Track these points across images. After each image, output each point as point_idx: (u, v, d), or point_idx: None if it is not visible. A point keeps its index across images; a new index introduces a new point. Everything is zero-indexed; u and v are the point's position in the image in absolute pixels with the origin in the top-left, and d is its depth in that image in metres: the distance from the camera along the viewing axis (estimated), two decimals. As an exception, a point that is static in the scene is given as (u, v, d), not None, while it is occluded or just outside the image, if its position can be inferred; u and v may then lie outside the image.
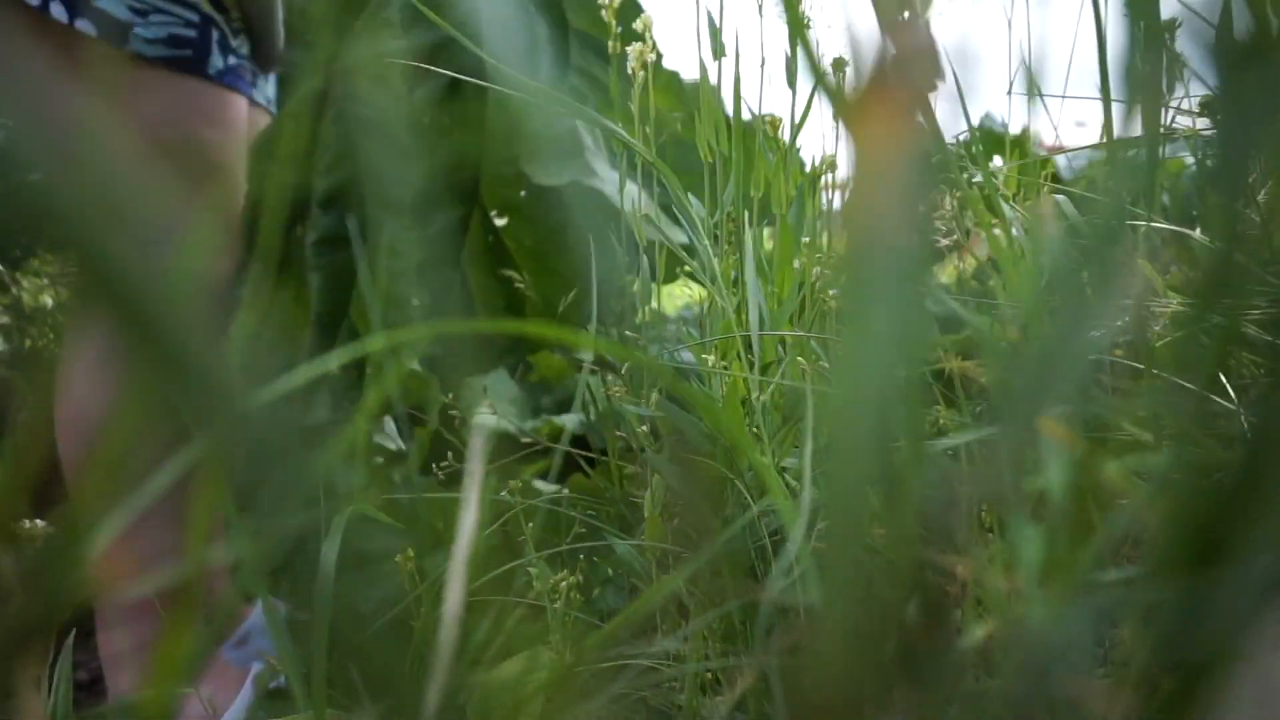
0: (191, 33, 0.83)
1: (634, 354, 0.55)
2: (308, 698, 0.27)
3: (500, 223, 1.16)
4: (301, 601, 1.09)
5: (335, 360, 1.06)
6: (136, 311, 0.18)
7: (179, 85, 0.83)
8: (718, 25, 0.66)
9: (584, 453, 0.84)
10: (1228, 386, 0.35)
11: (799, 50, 0.63)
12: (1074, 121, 0.62)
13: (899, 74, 0.16)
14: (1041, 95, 0.52)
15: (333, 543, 0.31)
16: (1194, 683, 0.21)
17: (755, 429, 0.50)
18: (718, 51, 0.65)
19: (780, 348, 0.56)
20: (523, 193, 1.12)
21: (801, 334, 0.52)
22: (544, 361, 1.37)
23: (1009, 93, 0.55)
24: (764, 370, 0.55)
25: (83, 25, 0.77)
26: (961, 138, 0.61)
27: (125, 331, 0.17)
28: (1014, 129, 0.67)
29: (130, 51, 0.79)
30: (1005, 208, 0.45)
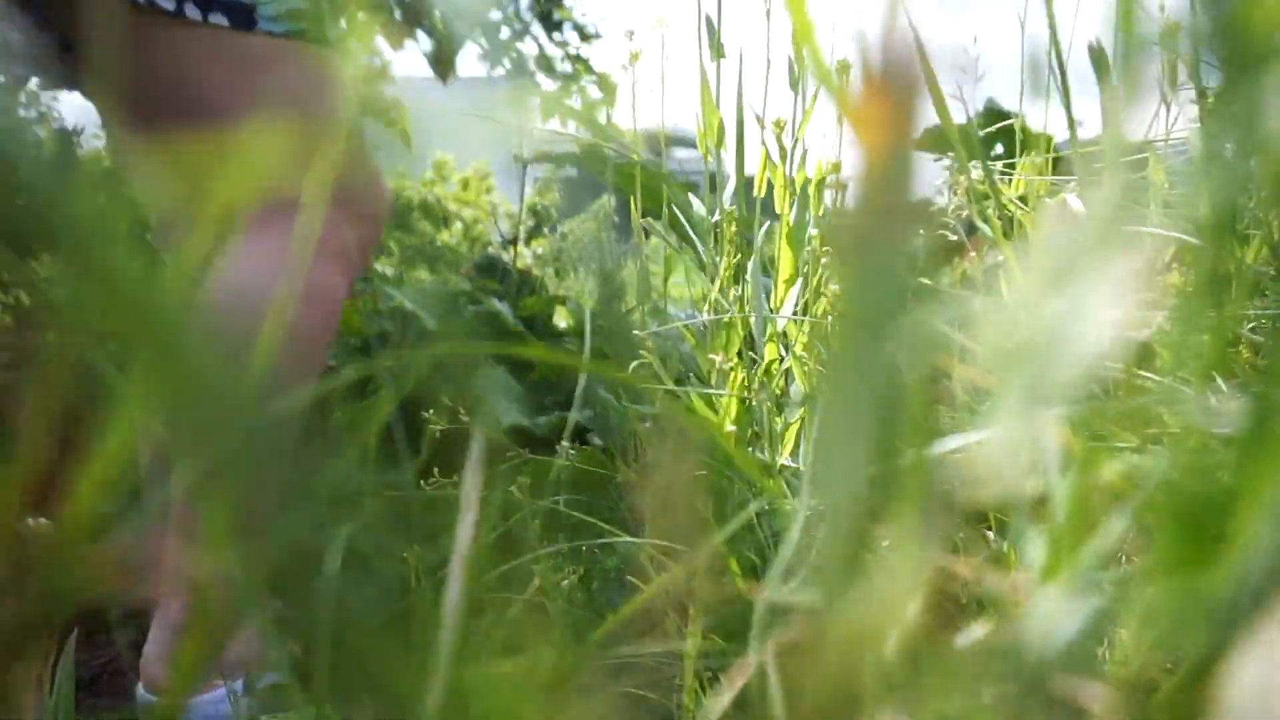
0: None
1: (632, 377, 0.55)
2: (303, 695, 0.27)
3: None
4: (299, 600, 1.09)
5: (352, 372, 1.06)
6: (139, 318, 0.18)
7: (309, 56, 0.85)
8: (717, 27, 0.66)
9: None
10: (1226, 383, 0.35)
11: (804, 53, 0.63)
12: (1071, 120, 0.62)
13: (895, 76, 0.16)
14: (1056, 92, 0.52)
15: (336, 542, 0.31)
16: (1194, 682, 0.21)
17: (756, 428, 0.50)
18: (717, 53, 0.65)
19: (781, 348, 0.56)
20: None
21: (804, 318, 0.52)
22: (542, 354, 1.38)
23: (1021, 91, 0.55)
24: (765, 370, 0.55)
25: (216, 19, 0.79)
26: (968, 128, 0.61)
27: (125, 340, 0.17)
28: (1022, 125, 0.67)
29: (261, 32, 0.81)
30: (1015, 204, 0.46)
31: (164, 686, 0.98)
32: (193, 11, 0.79)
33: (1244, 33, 0.18)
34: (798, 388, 0.51)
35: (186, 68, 0.80)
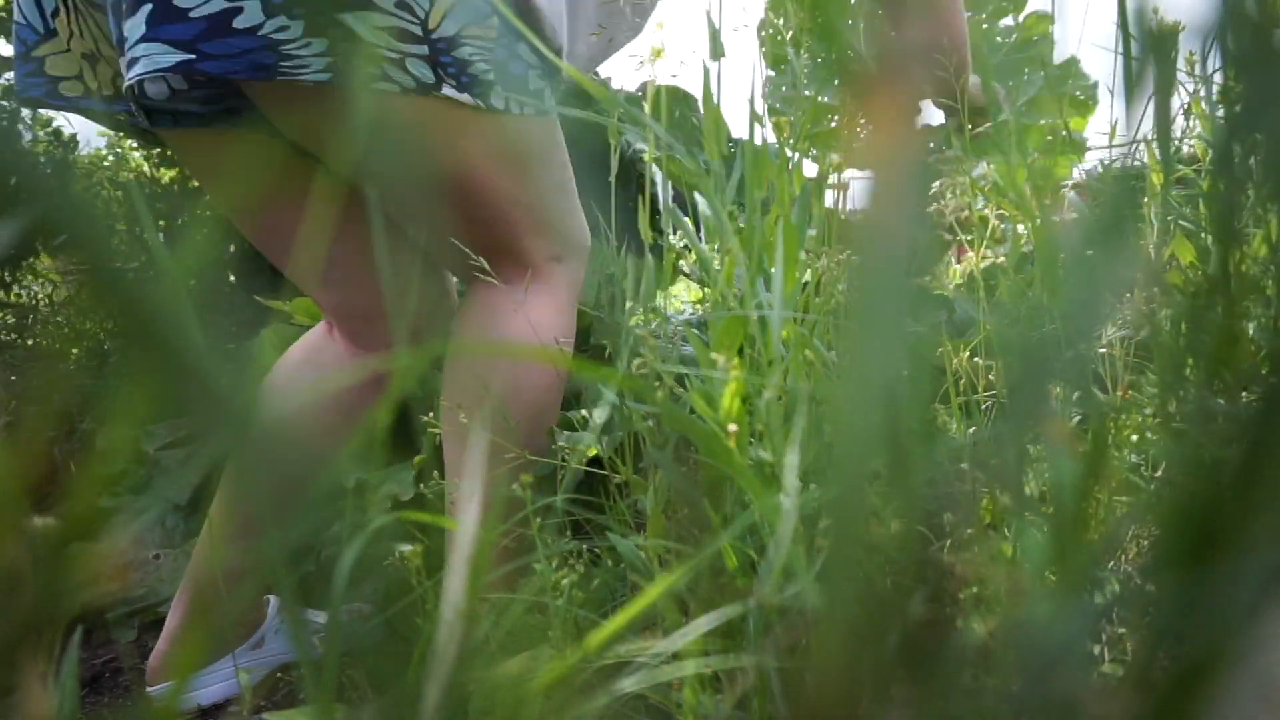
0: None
1: (630, 378, 0.55)
2: (314, 694, 0.27)
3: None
4: (311, 601, 1.09)
5: (355, 371, 1.08)
6: (143, 316, 0.18)
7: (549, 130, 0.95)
8: (717, 27, 0.65)
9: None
10: (1228, 382, 0.35)
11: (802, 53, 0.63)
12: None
13: (902, 75, 0.16)
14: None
15: (349, 545, 0.31)
16: (1194, 680, 0.21)
17: (758, 427, 0.50)
18: (717, 53, 0.65)
19: (783, 345, 0.55)
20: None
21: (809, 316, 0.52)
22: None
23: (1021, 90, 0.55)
24: (766, 369, 0.55)
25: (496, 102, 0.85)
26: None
27: (135, 337, 0.17)
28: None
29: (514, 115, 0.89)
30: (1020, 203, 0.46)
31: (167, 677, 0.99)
32: (515, 107, 0.85)
33: (1255, 30, 0.18)
34: (799, 386, 0.51)
35: (493, 151, 0.87)
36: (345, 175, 0.93)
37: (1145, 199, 0.54)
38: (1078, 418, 0.43)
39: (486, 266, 0.82)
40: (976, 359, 0.58)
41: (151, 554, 1.30)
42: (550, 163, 0.93)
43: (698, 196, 0.63)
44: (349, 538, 0.31)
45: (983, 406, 0.58)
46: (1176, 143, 0.62)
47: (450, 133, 0.83)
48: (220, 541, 0.92)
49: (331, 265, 1.03)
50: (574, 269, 0.97)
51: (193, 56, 0.73)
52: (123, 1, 0.74)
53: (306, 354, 1.12)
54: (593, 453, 0.95)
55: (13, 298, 2.10)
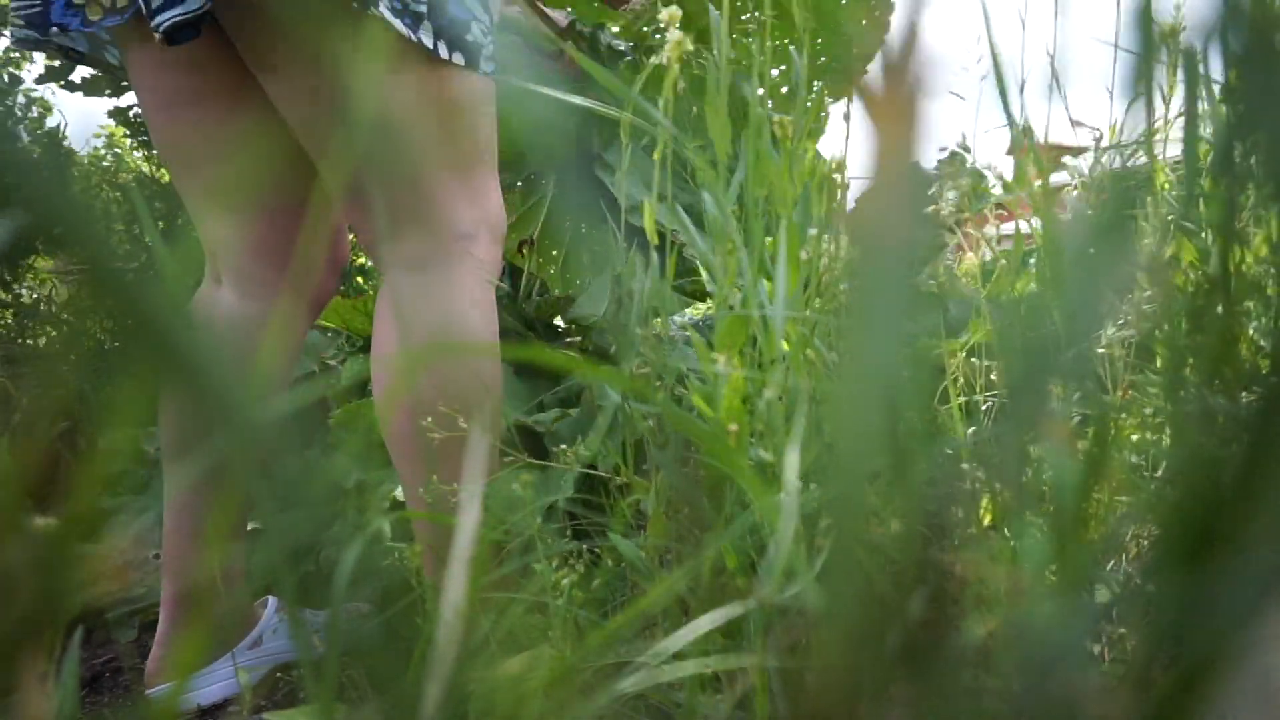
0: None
1: (636, 382, 0.55)
2: (315, 693, 0.27)
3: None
4: (311, 601, 1.09)
5: (350, 371, 1.07)
6: (143, 318, 0.18)
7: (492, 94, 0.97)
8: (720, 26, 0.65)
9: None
10: (1228, 382, 0.35)
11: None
12: (1077, 123, 0.62)
13: (904, 76, 0.16)
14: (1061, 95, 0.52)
15: (349, 544, 0.31)
16: (1194, 680, 0.21)
17: (759, 426, 0.50)
18: (723, 53, 0.65)
19: (783, 346, 0.55)
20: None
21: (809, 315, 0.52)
22: (545, 356, 1.37)
23: (1021, 92, 0.55)
24: (766, 368, 0.55)
25: (456, 58, 0.88)
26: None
27: (136, 342, 0.17)
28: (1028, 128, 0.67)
29: (482, 73, 0.91)
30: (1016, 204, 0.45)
31: (165, 679, 0.99)
32: (443, 50, 0.86)
33: (1255, 30, 0.18)
34: (800, 385, 0.51)
35: (419, 96, 0.87)
36: (279, 100, 0.91)
37: (1147, 198, 0.54)
38: (1078, 418, 0.43)
39: (393, 235, 0.81)
40: (975, 359, 0.58)
41: (151, 554, 1.30)
42: (479, 125, 0.92)
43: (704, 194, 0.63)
44: (349, 538, 0.32)
45: (983, 407, 0.58)
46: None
47: (384, 64, 0.83)
48: (207, 541, 0.91)
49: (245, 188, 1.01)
50: (487, 249, 0.94)
51: None
52: None
53: (202, 319, 1.08)
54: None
55: (12, 298, 2.11)
